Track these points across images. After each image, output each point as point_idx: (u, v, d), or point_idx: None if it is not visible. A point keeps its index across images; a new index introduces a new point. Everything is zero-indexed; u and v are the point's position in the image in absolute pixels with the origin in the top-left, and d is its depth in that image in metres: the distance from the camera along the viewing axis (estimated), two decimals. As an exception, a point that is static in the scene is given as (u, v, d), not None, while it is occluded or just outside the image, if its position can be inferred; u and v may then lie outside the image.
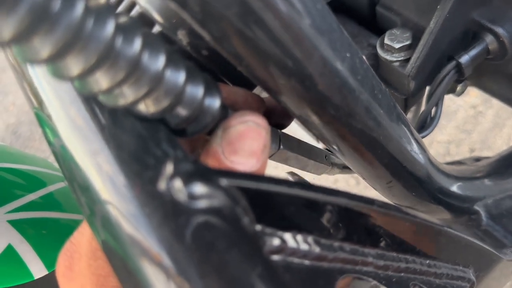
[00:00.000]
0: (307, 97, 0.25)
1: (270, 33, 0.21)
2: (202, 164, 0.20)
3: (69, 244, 0.26)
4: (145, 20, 0.27)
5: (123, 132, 0.21)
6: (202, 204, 0.18)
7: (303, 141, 0.38)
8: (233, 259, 0.18)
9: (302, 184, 0.23)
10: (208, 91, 0.23)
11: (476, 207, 0.48)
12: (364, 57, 0.27)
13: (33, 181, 0.50)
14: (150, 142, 0.21)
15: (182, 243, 0.18)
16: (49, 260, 0.43)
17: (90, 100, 0.22)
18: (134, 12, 0.27)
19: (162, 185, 0.18)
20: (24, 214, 0.44)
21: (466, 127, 1.26)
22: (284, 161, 0.35)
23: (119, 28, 0.18)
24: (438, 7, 0.42)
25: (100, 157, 0.20)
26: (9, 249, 0.41)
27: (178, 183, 0.18)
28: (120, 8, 0.28)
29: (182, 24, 0.26)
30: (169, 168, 0.19)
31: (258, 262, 0.20)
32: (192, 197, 0.18)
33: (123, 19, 0.19)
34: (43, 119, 0.25)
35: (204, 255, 0.18)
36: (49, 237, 0.46)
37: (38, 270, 0.42)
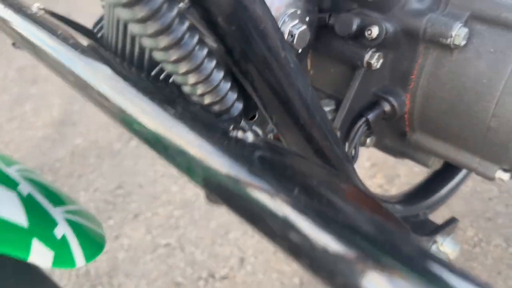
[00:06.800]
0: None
1: None
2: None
3: None
4: None
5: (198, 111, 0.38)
6: (253, 140, 0.36)
7: None
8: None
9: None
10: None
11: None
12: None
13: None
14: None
15: (246, 161, 0.35)
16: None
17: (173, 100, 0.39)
18: None
19: (233, 134, 0.36)
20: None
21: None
22: None
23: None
24: (350, 85, 0.65)
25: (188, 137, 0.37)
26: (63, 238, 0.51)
27: (240, 133, 0.36)
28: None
29: None
30: (233, 126, 0.36)
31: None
32: (247, 138, 0.36)
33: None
34: None
35: (262, 165, 0.34)
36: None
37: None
